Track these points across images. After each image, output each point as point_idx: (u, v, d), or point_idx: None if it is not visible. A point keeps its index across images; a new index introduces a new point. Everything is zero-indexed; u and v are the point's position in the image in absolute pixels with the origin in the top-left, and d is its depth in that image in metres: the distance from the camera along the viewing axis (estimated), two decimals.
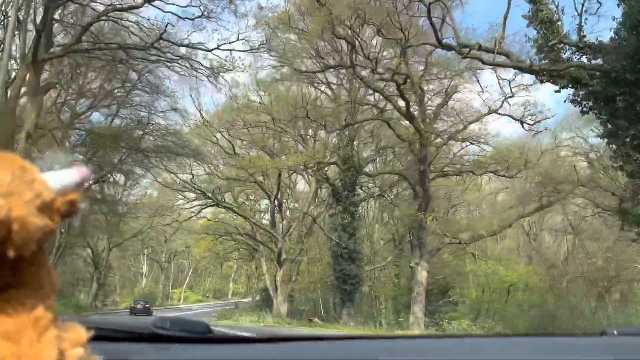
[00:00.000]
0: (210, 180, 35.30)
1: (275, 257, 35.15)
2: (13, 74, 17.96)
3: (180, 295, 66.69)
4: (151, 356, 0.98)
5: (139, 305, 38.10)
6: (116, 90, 27.94)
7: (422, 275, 22.41)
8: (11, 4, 16.64)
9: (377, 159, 33.19)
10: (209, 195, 32.34)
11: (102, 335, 0.87)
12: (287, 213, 37.71)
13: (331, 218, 28.32)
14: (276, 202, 34.65)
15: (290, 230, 34.75)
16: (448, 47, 19.15)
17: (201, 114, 31.88)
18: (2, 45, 17.11)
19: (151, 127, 27.82)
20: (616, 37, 14.71)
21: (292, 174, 35.23)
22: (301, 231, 33.77)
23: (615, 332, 1.30)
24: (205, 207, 35.53)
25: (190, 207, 37.93)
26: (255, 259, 53.96)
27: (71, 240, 36.95)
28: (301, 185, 41.46)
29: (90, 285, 42.54)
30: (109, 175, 29.61)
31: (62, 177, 0.59)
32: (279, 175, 31.21)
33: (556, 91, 16.67)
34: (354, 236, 26.52)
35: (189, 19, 20.35)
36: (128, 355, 0.94)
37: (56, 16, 18.46)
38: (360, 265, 27.07)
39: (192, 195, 36.42)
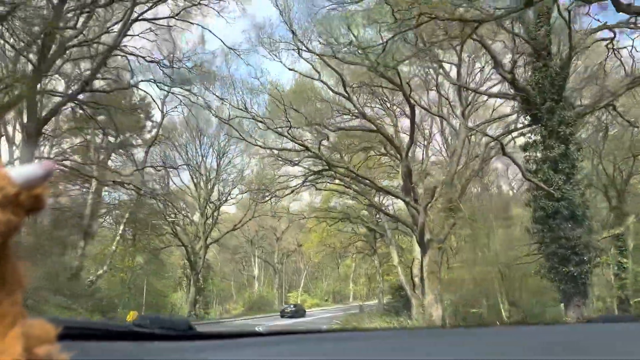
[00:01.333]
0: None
1: (416, 239, 24.21)
2: None
3: (297, 299, 58.40)
4: (130, 354, 0.95)
5: (289, 308, 40.46)
6: None
7: None
8: None
9: None
10: (317, 153, 22.40)
11: (78, 334, 0.87)
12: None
13: (527, 153, 16.36)
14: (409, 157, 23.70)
15: (435, 198, 23.72)
16: None
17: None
18: None
19: None
20: None
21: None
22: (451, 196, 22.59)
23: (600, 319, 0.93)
24: (312, 176, 25.70)
25: (288, 180, 28.55)
26: (378, 254, 43.98)
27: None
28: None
29: (187, 289, 35.20)
30: None
31: (27, 171, 0.56)
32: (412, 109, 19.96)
33: None
34: (571, 179, 14.71)
35: None
36: (106, 353, 0.93)
37: None
38: (591, 230, 15.04)
39: (294, 171, 27.22)
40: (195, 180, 34.61)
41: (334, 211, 38.52)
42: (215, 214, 35.84)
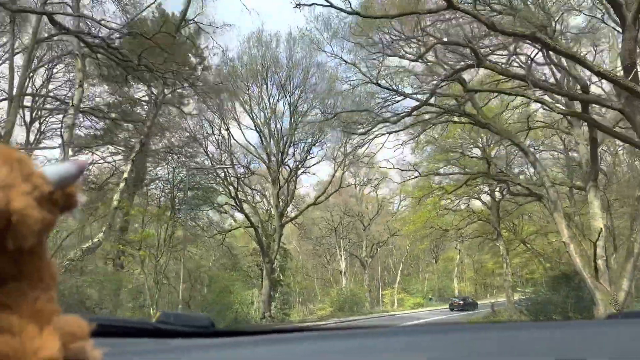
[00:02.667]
0: None
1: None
2: None
3: (393, 297, 48.51)
4: (154, 350, 0.98)
5: (458, 300, 39.68)
6: None
7: None
8: None
9: None
10: None
11: (105, 331, 0.88)
12: None
13: None
14: None
15: None
16: None
17: None
18: None
19: None
20: None
21: None
22: None
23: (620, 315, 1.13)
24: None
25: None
26: (504, 238, 33.47)
27: None
28: None
29: (259, 285, 26.77)
30: None
31: (61, 169, 0.58)
32: None
33: None
34: None
35: None
36: (130, 349, 0.95)
37: None
38: None
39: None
40: (262, 137, 26.01)
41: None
42: (292, 185, 27.05)
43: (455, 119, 21.39)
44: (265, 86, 25.36)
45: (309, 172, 29.08)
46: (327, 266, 56.48)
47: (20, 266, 0.56)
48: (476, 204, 36.44)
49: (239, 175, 24.30)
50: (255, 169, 27.15)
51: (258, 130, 25.84)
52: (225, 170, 22.51)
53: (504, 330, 1.19)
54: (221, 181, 22.95)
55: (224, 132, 24.21)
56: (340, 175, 28.39)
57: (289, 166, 26.25)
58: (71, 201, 0.58)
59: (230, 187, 23.39)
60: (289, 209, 27.62)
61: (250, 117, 25.50)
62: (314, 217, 53.97)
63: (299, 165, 26.12)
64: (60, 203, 0.56)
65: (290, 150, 26.24)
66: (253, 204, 25.86)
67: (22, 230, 0.50)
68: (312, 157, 27.82)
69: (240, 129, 26.56)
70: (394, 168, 27.56)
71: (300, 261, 58.30)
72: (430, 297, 47.28)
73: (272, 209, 26.48)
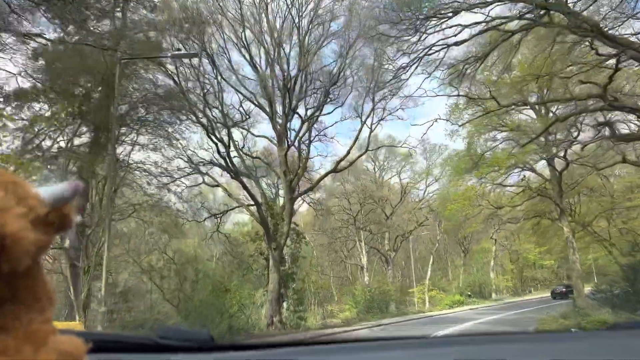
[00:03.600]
0: None
1: None
2: None
3: (424, 294, 41.50)
4: None
5: (561, 289, 39.73)
6: None
7: None
8: None
9: None
10: None
11: (106, 347, 0.89)
12: None
13: None
14: None
15: None
16: None
17: None
18: None
19: None
20: None
21: None
22: None
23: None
24: None
25: None
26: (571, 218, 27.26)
27: None
28: None
29: (264, 281, 20.12)
30: None
31: (56, 191, 0.58)
32: None
33: None
34: None
35: None
36: None
37: None
38: None
39: None
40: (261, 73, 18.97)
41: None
42: (305, 145, 20.28)
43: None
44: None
45: (325, 137, 22.11)
46: (346, 261, 49.67)
47: (14, 288, 0.55)
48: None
49: (232, 120, 17.61)
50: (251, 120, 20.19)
51: (254, 65, 18.97)
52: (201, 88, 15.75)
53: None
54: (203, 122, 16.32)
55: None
56: (369, 134, 21.77)
57: (299, 115, 19.39)
58: (66, 222, 0.58)
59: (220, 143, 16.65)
60: (300, 183, 20.83)
61: (241, 44, 18.73)
62: (330, 204, 47.35)
63: (314, 114, 19.20)
64: (56, 224, 0.56)
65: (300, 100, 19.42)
66: (254, 170, 19.15)
67: (16, 253, 0.50)
68: (328, 111, 21.00)
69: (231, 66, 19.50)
70: (437, 120, 20.62)
71: (315, 257, 51.60)
72: (468, 293, 40.27)
73: (278, 179, 19.77)
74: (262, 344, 1.13)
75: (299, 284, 22.53)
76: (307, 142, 19.09)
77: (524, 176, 28.71)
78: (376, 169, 46.70)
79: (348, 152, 20.12)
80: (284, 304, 19.36)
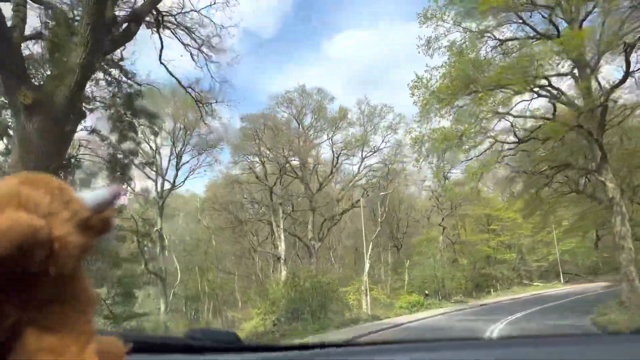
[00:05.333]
0: None
1: None
2: None
3: (359, 296, 30.01)
4: None
5: None
6: None
7: None
8: None
9: None
10: None
11: (138, 348, 0.92)
12: None
13: None
14: None
15: None
16: None
17: None
18: None
19: None
20: None
21: None
22: None
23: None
24: None
25: None
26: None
27: None
28: None
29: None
30: None
31: (97, 195, 0.61)
32: None
33: None
34: None
35: None
36: None
37: None
38: None
39: None
40: None
41: None
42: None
43: None
44: None
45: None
46: (256, 252, 36.92)
47: (60, 290, 0.57)
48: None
49: None
50: None
51: None
52: None
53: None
54: None
55: None
56: None
57: None
58: (106, 225, 0.60)
59: None
60: None
61: None
62: (232, 173, 34.55)
63: None
64: (97, 227, 0.59)
65: None
66: None
67: (63, 256, 0.53)
68: None
69: None
70: None
71: (213, 246, 38.17)
72: (426, 292, 29.62)
73: None
74: (292, 345, 1.14)
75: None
76: None
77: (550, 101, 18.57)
78: (301, 127, 34.81)
79: None
80: None
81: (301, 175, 33.86)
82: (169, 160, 31.59)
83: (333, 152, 35.56)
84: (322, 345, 1.13)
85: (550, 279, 43.21)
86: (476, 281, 36.09)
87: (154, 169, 29.25)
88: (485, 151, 18.23)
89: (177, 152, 31.53)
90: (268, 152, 32.96)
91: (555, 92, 18.16)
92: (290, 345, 1.15)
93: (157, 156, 30.33)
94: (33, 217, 0.51)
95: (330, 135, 36.24)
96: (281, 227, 32.72)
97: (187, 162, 32.95)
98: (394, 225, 45.01)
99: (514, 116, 18.39)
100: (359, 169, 37.48)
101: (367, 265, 31.71)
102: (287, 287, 20.65)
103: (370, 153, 36.78)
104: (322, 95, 36.29)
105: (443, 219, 38.57)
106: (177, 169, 31.76)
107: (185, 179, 33.41)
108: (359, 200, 34.99)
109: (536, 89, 17.95)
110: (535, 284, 40.28)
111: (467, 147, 18.53)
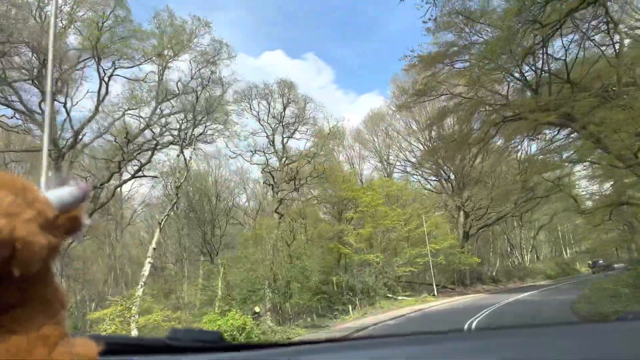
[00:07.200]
0: None
1: None
2: None
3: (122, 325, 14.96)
4: None
5: (601, 262, 44.40)
6: None
7: None
8: None
9: None
10: None
11: (115, 350, 0.89)
12: None
13: None
14: None
15: None
16: None
17: None
18: None
19: None
20: None
21: None
22: None
23: (630, 316, 1.13)
24: None
25: None
26: None
27: None
28: None
29: None
30: None
31: (64, 194, 0.58)
32: None
33: None
34: None
35: None
36: None
37: None
38: None
39: None
40: None
41: None
42: None
43: None
44: None
45: None
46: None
47: (26, 292, 0.55)
48: None
49: None
50: None
51: None
52: None
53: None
54: None
55: None
56: None
57: None
58: (75, 225, 0.58)
59: None
60: None
61: None
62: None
63: None
64: (65, 227, 0.56)
65: None
66: None
67: (26, 257, 0.51)
68: None
69: None
70: None
71: None
72: (256, 310, 16.10)
73: None
74: (276, 343, 1.10)
75: None
76: None
77: None
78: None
79: None
80: None
81: None
82: None
83: None
84: (303, 342, 1.08)
85: (419, 290, 33.33)
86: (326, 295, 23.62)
87: None
88: None
89: None
90: None
91: None
92: (274, 342, 1.10)
93: None
94: None
95: None
96: None
97: None
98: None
99: None
100: None
101: (146, 272, 17.01)
102: None
103: None
104: None
105: (280, 203, 25.68)
106: None
107: None
108: None
109: None
110: (400, 297, 29.70)
111: None
